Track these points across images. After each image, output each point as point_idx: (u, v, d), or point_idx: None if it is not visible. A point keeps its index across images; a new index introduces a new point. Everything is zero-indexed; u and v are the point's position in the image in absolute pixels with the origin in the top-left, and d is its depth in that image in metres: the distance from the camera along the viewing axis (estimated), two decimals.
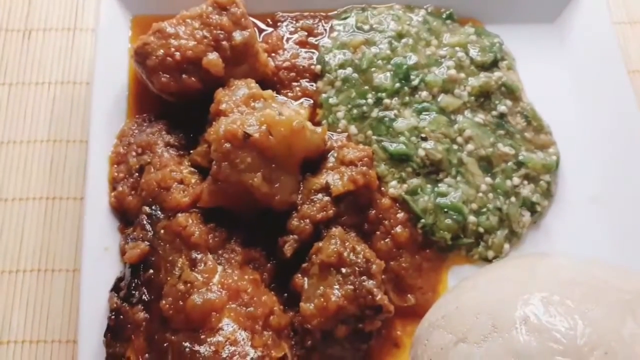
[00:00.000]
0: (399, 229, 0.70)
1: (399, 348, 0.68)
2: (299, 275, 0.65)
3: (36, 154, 0.78)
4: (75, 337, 0.68)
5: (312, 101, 0.77)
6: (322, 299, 0.61)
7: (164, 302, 0.58)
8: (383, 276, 0.67)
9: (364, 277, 0.62)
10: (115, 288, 0.63)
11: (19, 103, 0.80)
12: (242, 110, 0.66)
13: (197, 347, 0.56)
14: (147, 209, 0.65)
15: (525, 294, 0.52)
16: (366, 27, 0.80)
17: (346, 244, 0.64)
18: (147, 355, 0.57)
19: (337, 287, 0.61)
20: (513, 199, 0.73)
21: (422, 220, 0.71)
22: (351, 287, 0.61)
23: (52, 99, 0.81)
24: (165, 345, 0.57)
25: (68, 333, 0.69)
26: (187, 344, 0.56)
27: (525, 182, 0.74)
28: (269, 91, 0.70)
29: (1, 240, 0.73)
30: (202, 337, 0.56)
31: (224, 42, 0.70)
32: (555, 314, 0.49)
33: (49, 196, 0.75)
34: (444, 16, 0.83)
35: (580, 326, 0.47)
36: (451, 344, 0.52)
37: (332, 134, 0.75)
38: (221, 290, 0.59)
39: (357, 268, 0.63)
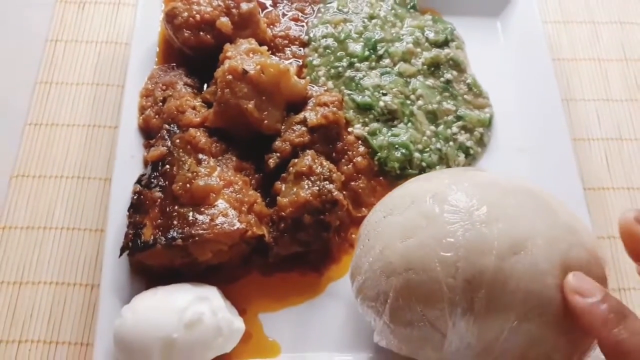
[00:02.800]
0: (359, 158, 0.90)
1: (353, 248, 0.86)
2: (279, 182, 0.84)
3: (83, 93, 0.99)
4: (104, 225, 0.87)
5: (300, 62, 0.99)
6: (294, 196, 0.80)
7: (175, 185, 0.78)
8: (344, 192, 0.87)
9: (327, 182, 0.82)
10: (139, 181, 0.83)
11: (72, 55, 1.02)
12: (242, 57, 0.87)
13: (197, 216, 0.75)
14: (166, 126, 0.85)
15: (440, 183, 0.71)
16: (345, 9, 1.02)
17: (316, 161, 0.84)
18: (159, 221, 0.76)
19: (306, 188, 0.81)
20: (451, 143, 0.93)
21: (378, 154, 0.91)
22: (316, 188, 0.81)
23: (97, 54, 1.03)
24: (174, 214, 0.76)
25: (98, 223, 0.89)
26: (190, 213, 0.76)
27: (463, 131, 0.94)
28: (265, 47, 0.91)
29: (50, 154, 0.94)
30: (202, 209, 0.76)
31: (234, 10, 0.92)
32: (456, 190, 0.67)
33: (90, 124, 0.96)
34: (408, 6, 1.05)
35: (470, 196, 0.65)
36: (381, 218, 0.71)
37: (313, 86, 0.96)
38: (219, 180, 0.79)
39: (322, 176, 0.82)
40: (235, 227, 0.76)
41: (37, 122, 0.96)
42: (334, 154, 0.90)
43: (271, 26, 1.00)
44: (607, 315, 0.52)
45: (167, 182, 0.79)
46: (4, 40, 1.04)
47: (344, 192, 0.87)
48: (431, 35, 1.01)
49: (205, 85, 0.96)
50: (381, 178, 0.91)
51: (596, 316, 0.53)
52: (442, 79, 0.98)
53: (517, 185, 0.69)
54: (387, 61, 0.98)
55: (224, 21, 0.91)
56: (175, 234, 0.74)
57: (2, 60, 1.02)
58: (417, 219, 0.66)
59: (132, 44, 0.96)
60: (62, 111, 0.98)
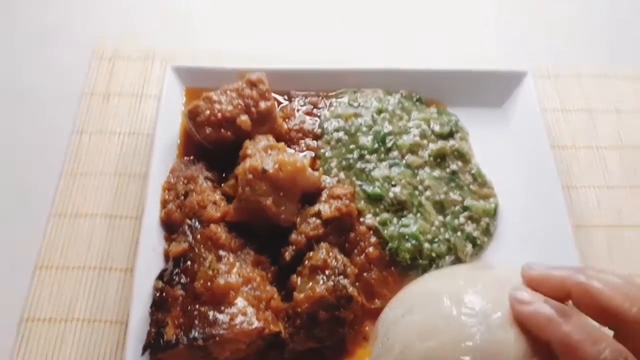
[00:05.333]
0: (371, 249, 0.94)
1: (367, 341, 0.88)
2: (294, 275, 0.88)
3: (105, 183, 1.04)
4: (127, 319, 0.89)
5: (313, 154, 1.04)
6: (309, 291, 0.83)
7: (196, 283, 0.81)
8: (357, 283, 0.90)
9: (341, 277, 0.85)
10: (160, 276, 0.86)
11: (98, 149, 1.07)
12: (262, 155, 0.92)
13: (217, 315, 0.78)
14: (188, 221, 0.89)
15: (455, 283, 0.74)
16: (355, 104, 1.09)
17: (330, 254, 0.88)
18: (181, 320, 0.79)
19: (321, 283, 0.84)
20: (459, 233, 0.97)
21: (389, 244, 0.94)
22: (331, 283, 0.84)
23: (121, 144, 1.08)
24: (195, 313, 0.79)
25: (119, 314, 0.91)
26: (211, 312, 0.78)
27: (469, 222, 0.98)
28: (282, 143, 0.96)
29: (74, 244, 0.97)
30: (222, 308, 0.79)
31: (253, 108, 0.98)
32: (471, 293, 0.70)
33: (113, 214, 1.01)
34: (414, 99, 1.12)
35: (486, 299, 0.67)
36: (400, 316, 0.73)
37: (326, 178, 1.00)
38: (238, 277, 0.82)
39: (336, 270, 0.86)
40: (253, 326, 0.78)
41: (61, 212, 1.00)
42: (346, 244, 0.93)
43: (286, 120, 1.06)
44: (551, 314, 0.56)
45: (188, 279, 0.82)
46: (31, 132, 1.10)
47: (357, 284, 0.90)
48: (436, 128, 1.07)
49: (223, 174, 1.01)
50: (392, 268, 0.94)
51: (540, 316, 0.57)
52: (448, 169, 1.03)
53: None
54: (395, 153, 1.03)
55: (244, 119, 0.96)
56: (197, 334, 0.76)
57: (29, 152, 1.07)
58: (436, 319, 0.68)
59: (155, 135, 1.00)
60: (85, 201, 1.02)
